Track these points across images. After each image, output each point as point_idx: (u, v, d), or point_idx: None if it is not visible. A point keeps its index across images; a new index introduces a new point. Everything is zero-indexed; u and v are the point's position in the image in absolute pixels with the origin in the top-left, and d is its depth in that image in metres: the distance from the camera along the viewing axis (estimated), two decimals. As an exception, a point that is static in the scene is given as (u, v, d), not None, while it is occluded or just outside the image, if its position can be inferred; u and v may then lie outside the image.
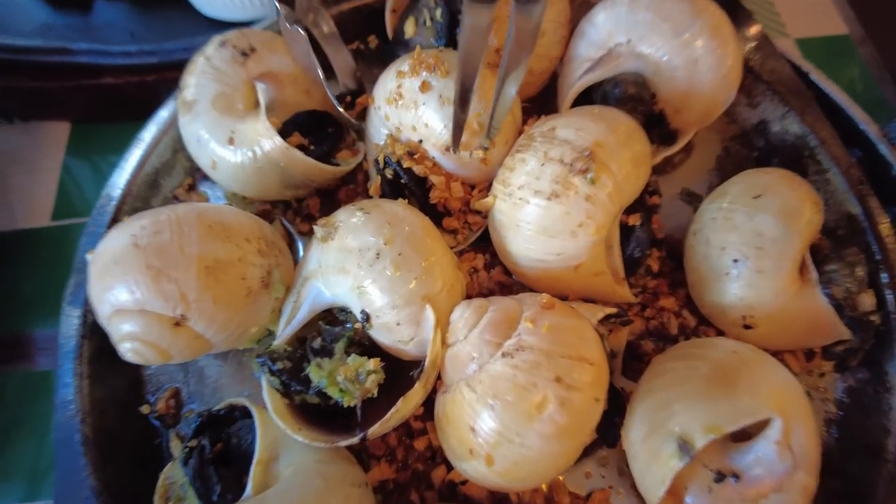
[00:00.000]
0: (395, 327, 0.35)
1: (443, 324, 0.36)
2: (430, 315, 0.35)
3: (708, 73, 0.45)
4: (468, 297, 0.43)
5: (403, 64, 0.45)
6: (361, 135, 0.49)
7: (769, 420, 0.33)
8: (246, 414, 0.39)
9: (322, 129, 0.47)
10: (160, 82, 0.64)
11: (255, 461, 0.35)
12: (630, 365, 0.42)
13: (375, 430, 0.34)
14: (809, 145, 0.50)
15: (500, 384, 0.31)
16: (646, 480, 0.34)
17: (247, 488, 0.34)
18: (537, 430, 0.31)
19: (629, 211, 0.41)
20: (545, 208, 0.38)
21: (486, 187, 0.46)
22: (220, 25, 0.64)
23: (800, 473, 0.34)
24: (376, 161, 0.45)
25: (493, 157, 0.44)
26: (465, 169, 0.44)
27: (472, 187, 0.46)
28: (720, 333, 0.44)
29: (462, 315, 0.35)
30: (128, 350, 0.36)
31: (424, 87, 0.43)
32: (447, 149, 0.43)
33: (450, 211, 0.46)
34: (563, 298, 0.43)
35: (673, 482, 0.34)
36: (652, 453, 0.32)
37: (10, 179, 0.67)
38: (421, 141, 0.44)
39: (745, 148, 0.53)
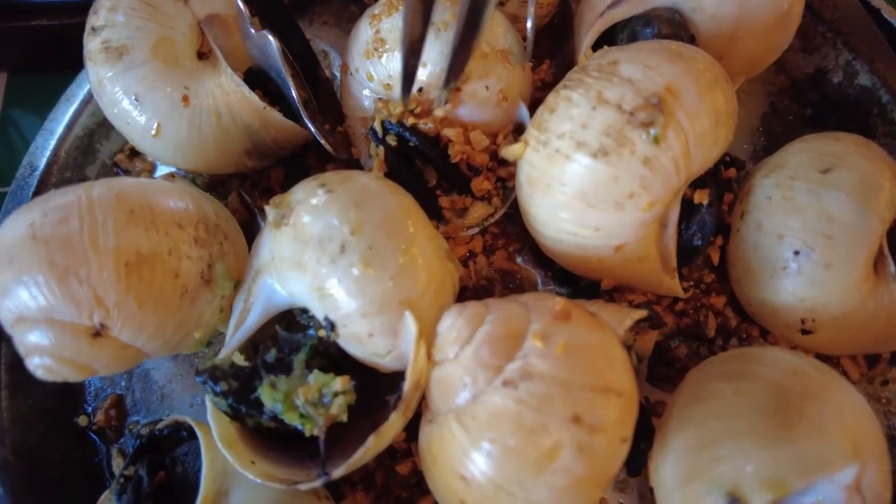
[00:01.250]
0: (366, 338, 0.28)
1: (428, 332, 0.29)
2: (410, 325, 0.27)
3: (763, 9, 0.36)
4: (462, 290, 0.36)
5: (374, 7, 0.37)
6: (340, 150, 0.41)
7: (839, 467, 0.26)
8: (194, 436, 0.32)
9: (274, 87, 0.38)
10: None
11: (199, 498, 0.29)
12: (657, 371, 0.36)
13: (340, 471, 0.27)
14: (880, 100, 0.41)
15: (501, 423, 0.24)
16: None
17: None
18: (547, 482, 0.24)
19: (697, 184, 0.33)
20: (588, 168, 0.30)
21: (511, 132, 0.38)
22: None
23: None
24: (373, 131, 0.37)
25: (513, 90, 0.36)
26: (482, 111, 0.36)
27: (496, 136, 0.38)
28: (764, 332, 0.37)
29: (452, 325, 0.28)
30: (37, 367, 0.29)
31: None
32: (458, 88, 0.35)
33: (476, 169, 0.38)
34: (596, 282, 0.36)
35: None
36: (688, 500, 0.26)
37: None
38: (421, 89, 0.36)
39: (795, 104, 0.44)
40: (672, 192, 0.30)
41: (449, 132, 0.36)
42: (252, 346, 0.33)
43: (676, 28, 0.37)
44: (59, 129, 0.41)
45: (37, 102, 0.61)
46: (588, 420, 0.24)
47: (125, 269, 0.28)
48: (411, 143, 0.36)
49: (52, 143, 0.41)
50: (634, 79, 0.30)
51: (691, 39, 0.38)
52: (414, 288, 0.29)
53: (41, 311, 0.28)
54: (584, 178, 0.30)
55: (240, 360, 0.32)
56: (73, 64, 0.61)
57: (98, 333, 0.29)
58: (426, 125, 0.36)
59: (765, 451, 0.25)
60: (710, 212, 0.33)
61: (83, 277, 0.27)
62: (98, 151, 0.43)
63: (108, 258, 0.27)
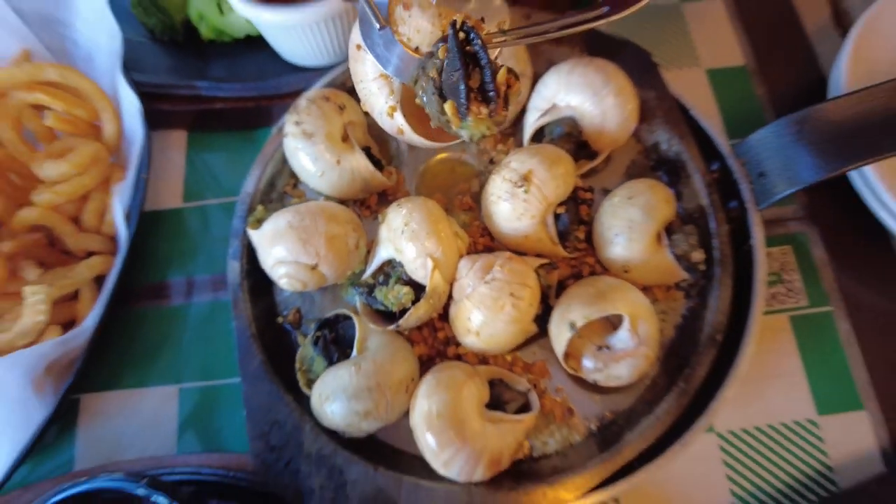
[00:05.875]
0: (415, 270, 0.60)
1: (444, 269, 0.60)
2: (429, 264, 0.59)
3: (614, 119, 0.71)
4: (469, 252, 0.72)
5: None
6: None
7: (623, 317, 0.63)
8: (347, 318, 0.69)
9: (372, 158, 0.74)
10: (256, 107, 0.92)
11: (356, 340, 0.66)
12: (559, 294, 0.73)
13: (401, 323, 0.60)
14: (682, 159, 0.77)
15: (484, 298, 0.61)
16: (556, 348, 0.65)
17: (352, 355, 0.65)
18: (501, 318, 0.61)
19: (563, 204, 0.70)
20: (506, 204, 0.66)
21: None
22: (297, 68, 0.91)
23: (643, 348, 0.63)
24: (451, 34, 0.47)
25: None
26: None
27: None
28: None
29: (465, 265, 0.64)
30: (285, 283, 0.66)
31: None
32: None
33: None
34: (524, 253, 0.73)
35: (573, 350, 0.65)
36: (559, 332, 0.63)
37: (153, 173, 0.95)
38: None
39: (646, 159, 0.76)
40: (543, 211, 0.63)
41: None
42: (380, 271, 0.69)
43: (572, 128, 0.73)
44: (258, 173, 0.78)
45: (211, 150, 0.90)
46: (517, 295, 0.61)
47: (328, 240, 0.64)
48: (474, 48, 0.46)
49: (254, 182, 0.77)
50: (514, 167, 0.64)
51: (580, 132, 0.75)
52: (434, 249, 0.59)
53: (292, 256, 0.64)
54: (504, 210, 0.65)
55: (369, 274, 0.68)
56: (233, 127, 0.97)
57: (314, 267, 0.66)
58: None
59: (587, 307, 0.61)
60: (566, 215, 0.66)
61: (312, 243, 0.64)
62: (276, 186, 0.79)
63: (322, 236, 0.64)
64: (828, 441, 0.72)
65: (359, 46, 0.54)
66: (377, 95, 0.56)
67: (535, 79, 0.74)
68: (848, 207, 0.85)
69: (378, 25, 0.49)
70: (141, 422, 0.79)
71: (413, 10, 0.50)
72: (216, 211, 0.90)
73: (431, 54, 0.48)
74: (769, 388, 0.78)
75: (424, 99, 0.50)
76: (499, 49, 0.51)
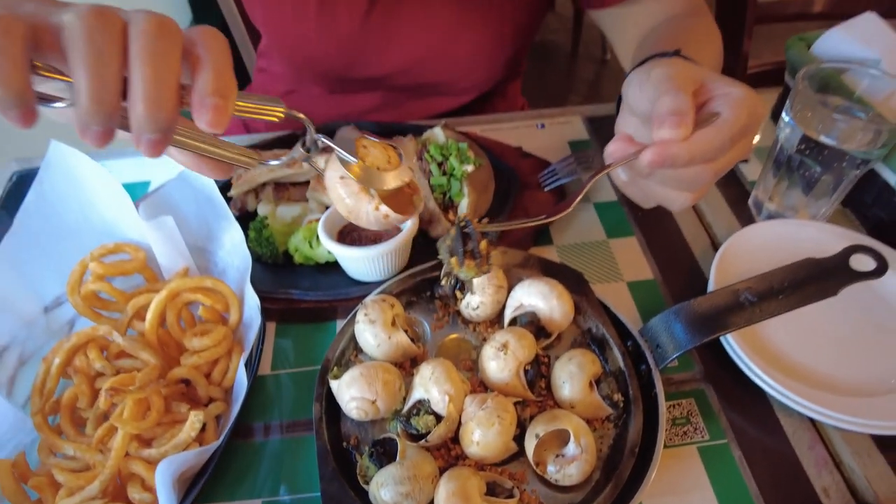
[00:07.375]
0: (437, 404, 0.91)
1: (456, 402, 0.84)
2: (446, 399, 0.87)
3: (558, 313, 1.09)
4: (471, 393, 1.10)
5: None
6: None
7: (569, 433, 1.00)
8: (391, 440, 1.04)
9: (409, 336, 1.18)
10: (329, 307, 1.36)
11: (398, 452, 1.00)
12: (530, 422, 1.09)
13: (428, 439, 0.96)
14: (606, 338, 1.16)
15: (481, 418, 0.98)
16: (528, 454, 0.99)
17: (396, 460, 0.99)
18: (493, 431, 0.97)
19: (529, 364, 1.11)
20: (493, 363, 1.06)
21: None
22: (359, 282, 1.36)
23: (584, 454, 0.91)
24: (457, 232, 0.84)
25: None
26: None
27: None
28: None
29: (469, 400, 1.02)
30: (354, 413, 1.03)
31: None
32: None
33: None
34: (507, 395, 1.11)
35: (541, 459, 0.99)
36: (529, 442, 0.97)
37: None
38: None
39: (583, 338, 1.03)
40: (516, 368, 0.99)
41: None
42: (412, 406, 1.06)
43: (532, 318, 1.12)
44: (336, 347, 1.17)
45: (289, 337, 1.18)
46: (501, 416, 0.97)
47: (383, 384, 1.03)
48: (468, 231, 0.81)
49: (332, 352, 1.16)
50: (497, 339, 1.03)
51: (538, 320, 1.20)
52: (450, 389, 0.87)
53: (360, 394, 1.03)
54: (492, 366, 1.04)
55: (406, 409, 1.06)
56: (309, 320, 1.41)
57: (373, 402, 1.03)
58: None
59: (545, 425, 0.98)
60: (532, 371, 1.06)
61: (374, 386, 1.03)
62: (345, 355, 1.20)
63: (380, 381, 1.03)
64: (733, 537, 1.03)
65: (342, 177, 0.72)
66: (360, 203, 0.75)
67: (510, 288, 1.21)
68: (731, 369, 1.26)
69: (354, 160, 0.70)
70: (231, 528, 1.08)
71: (369, 148, 0.72)
72: (286, 378, 1.28)
73: (448, 234, 0.85)
74: (687, 498, 1.10)
75: (442, 253, 0.87)
76: (481, 229, 0.84)
